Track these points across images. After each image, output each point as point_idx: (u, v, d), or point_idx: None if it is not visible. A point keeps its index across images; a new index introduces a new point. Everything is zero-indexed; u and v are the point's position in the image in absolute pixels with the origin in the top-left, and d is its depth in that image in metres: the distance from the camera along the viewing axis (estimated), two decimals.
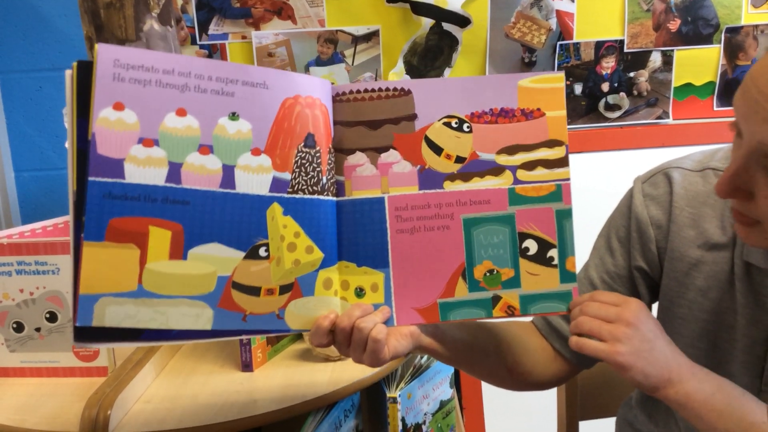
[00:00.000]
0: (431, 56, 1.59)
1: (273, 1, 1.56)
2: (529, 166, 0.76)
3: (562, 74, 0.77)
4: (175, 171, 0.67)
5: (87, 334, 0.65)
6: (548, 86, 0.77)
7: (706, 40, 1.61)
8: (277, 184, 0.72)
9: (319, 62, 1.59)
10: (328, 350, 1.05)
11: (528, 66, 1.62)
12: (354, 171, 0.76)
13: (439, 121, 0.76)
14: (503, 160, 0.77)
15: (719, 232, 0.81)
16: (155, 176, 0.66)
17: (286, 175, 0.72)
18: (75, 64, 0.64)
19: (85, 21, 1.11)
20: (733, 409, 0.69)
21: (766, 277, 0.77)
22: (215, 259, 0.69)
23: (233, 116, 0.69)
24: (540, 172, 0.76)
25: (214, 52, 1.59)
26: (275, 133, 0.72)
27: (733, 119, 0.67)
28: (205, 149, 0.68)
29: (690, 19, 1.60)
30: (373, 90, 0.76)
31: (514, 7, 1.58)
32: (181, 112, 0.67)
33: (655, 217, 0.85)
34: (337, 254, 0.75)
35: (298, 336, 1.16)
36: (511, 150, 0.76)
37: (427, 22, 1.56)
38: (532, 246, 0.76)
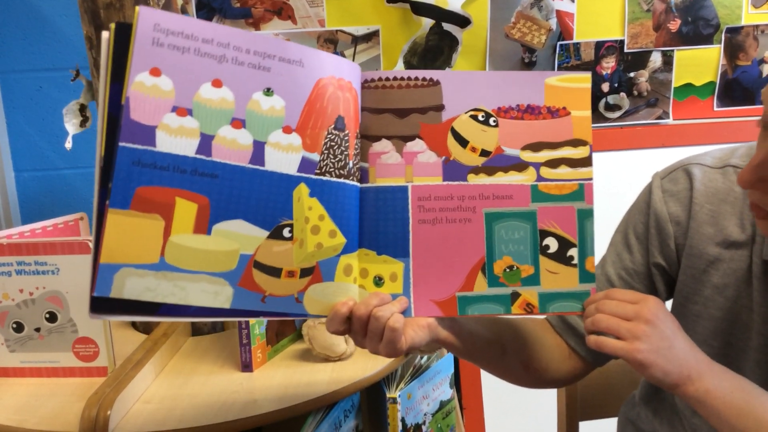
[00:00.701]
0: (431, 56, 1.59)
1: (273, 1, 1.56)
2: (553, 163, 0.76)
3: (589, 75, 0.78)
4: (206, 143, 0.65)
5: (103, 306, 0.63)
6: (575, 86, 0.77)
7: (707, 40, 1.61)
8: (305, 165, 0.70)
9: None
10: (328, 350, 1.05)
11: (528, 66, 1.62)
12: (379, 158, 0.75)
13: (466, 113, 0.76)
14: (528, 156, 0.76)
15: (738, 230, 0.81)
16: (186, 146, 0.65)
17: (315, 156, 0.71)
18: (113, 25, 0.61)
19: (85, 21, 1.11)
20: (753, 407, 0.69)
21: None
22: (239, 236, 0.67)
23: (268, 92, 0.68)
24: (563, 171, 0.76)
25: None
26: (307, 113, 0.70)
27: (757, 118, 0.67)
28: (238, 123, 0.67)
29: (690, 19, 1.60)
30: (402, 78, 0.75)
31: (514, 8, 1.58)
32: (217, 83, 0.66)
33: (675, 214, 0.85)
34: (358, 241, 0.74)
35: (298, 336, 1.16)
36: (535, 147, 0.76)
37: (427, 23, 1.56)
38: (552, 244, 0.76)
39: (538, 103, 0.76)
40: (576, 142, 0.77)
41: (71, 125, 1.27)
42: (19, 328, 1.05)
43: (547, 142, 0.76)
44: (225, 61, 0.66)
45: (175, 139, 0.64)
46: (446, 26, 1.56)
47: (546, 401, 1.03)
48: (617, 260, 0.89)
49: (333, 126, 0.72)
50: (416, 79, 0.75)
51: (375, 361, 1.05)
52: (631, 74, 1.63)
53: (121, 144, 0.62)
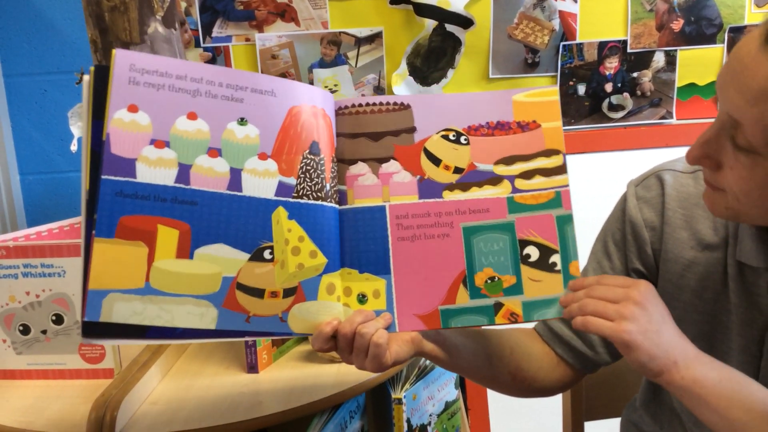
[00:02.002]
0: (434, 58, 1.59)
1: (276, 3, 1.56)
2: (527, 175, 0.78)
3: (556, 88, 0.80)
4: (184, 172, 0.69)
5: (94, 331, 0.66)
6: (543, 100, 0.79)
7: (710, 39, 1.61)
8: (282, 189, 0.73)
9: (323, 64, 1.59)
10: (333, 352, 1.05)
11: (531, 67, 1.62)
12: (356, 180, 0.78)
13: (437, 133, 0.79)
14: (501, 170, 0.78)
15: (712, 233, 0.81)
16: (165, 176, 0.68)
17: (292, 180, 0.74)
18: (92, 68, 0.66)
19: (90, 24, 1.12)
20: (742, 396, 0.68)
21: (758, 276, 0.77)
22: (221, 259, 0.70)
23: (242, 121, 0.71)
24: (538, 181, 0.78)
25: (218, 54, 1.59)
26: (282, 139, 0.73)
27: None
28: (214, 152, 0.70)
29: (693, 19, 1.60)
30: (374, 104, 0.79)
31: (517, 8, 1.58)
32: (192, 116, 0.69)
33: (649, 220, 0.85)
34: (339, 260, 0.76)
35: (304, 338, 1.16)
36: (508, 160, 0.79)
37: (430, 24, 1.56)
38: (533, 252, 0.77)
39: (507, 119, 0.79)
40: (549, 152, 0.78)
41: (76, 128, 1.27)
42: (25, 330, 1.05)
43: (520, 155, 0.78)
44: (199, 95, 0.70)
45: (155, 170, 0.68)
46: (449, 27, 1.57)
47: (551, 402, 1.03)
48: (598, 268, 0.89)
49: (308, 151, 0.75)
50: (388, 104, 0.79)
51: None
52: (635, 74, 1.63)
53: (103, 177, 0.65)
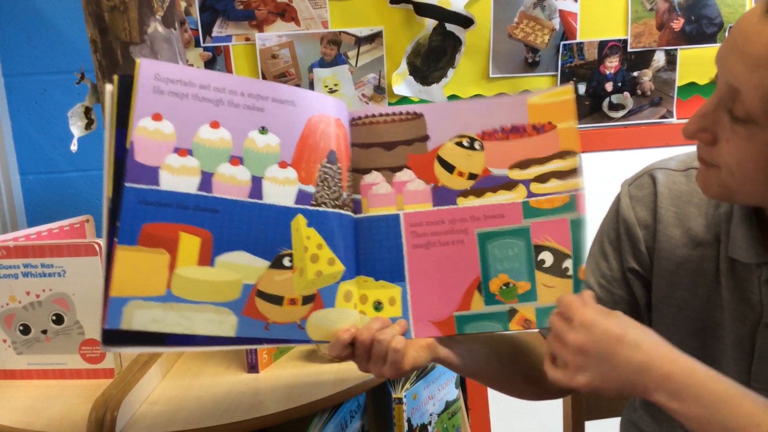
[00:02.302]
0: (434, 57, 1.59)
1: (276, 3, 1.56)
2: (543, 178, 0.77)
3: (571, 86, 0.78)
4: (206, 180, 0.69)
5: (114, 339, 0.66)
6: (558, 99, 0.77)
7: (710, 39, 1.61)
8: (301, 197, 0.74)
9: (323, 64, 1.59)
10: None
11: (531, 66, 1.62)
12: (370, 189, 0.78)
13: (450, 140, 0.78)
14: (516, 174, 0.78)
15: (704, 230, 0.82)
16: (188, 184, 0.68)
17: (311, 188, 0.74)
18: (116, 77, 0.66)
19: (89, 24, 1.11)
20: (719, 419, 0.64)
21: (750, 272, 0.77)
22: (241, 267, 0.70)
23: (263, 130, 0.72)
24: (553, 184, 0.77)
25: (217, 54, 1.59)
26: (301, 148, 0.74)
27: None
28: (236, 160, 0.71)
29: (693, 18, 1.60)
30: (387, 114, 0.79)
31: (517, 8, 1.58)
32: (215, 125, 0.70)
33: (642, 218, 0.86)
34: (356, 268, 0.77)
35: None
36: (523, 164, 0.78)
37: (430, 23, 1.56)
38: (548, 258, 0.77)
39: (522, 122, 0.77)
40: (564, 154, 0.77)
41: (76, 128, 1.27)
42: (26, 330, 1.05)
43: (535, 158, 0.78)
44: (221, 104, 0.70)
45: (178, 177, 0.68)
46: (449, 27, 1.56)
47: (552, 401, 1.03)
48: (596, 269, 0.90)
49: (326, 160, 0.75)
50: (401, 113, 0.79)
51: None
52: (635, 73, 1.63)
53: (127, 184, 0.66)
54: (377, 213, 0.78)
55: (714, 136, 0.69)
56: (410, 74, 1.60)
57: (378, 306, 0.77)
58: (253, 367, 1.06)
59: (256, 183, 0.72)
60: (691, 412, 0.65)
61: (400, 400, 1.12)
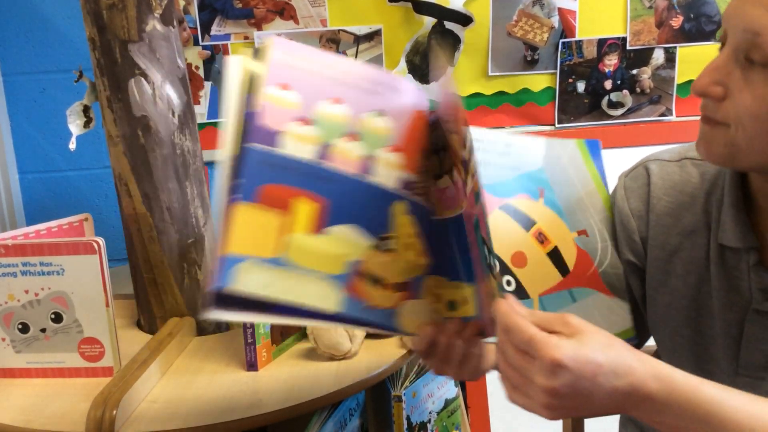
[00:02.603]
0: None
1: (275, 2, 1.56)
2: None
3: None
4: (324, 151, 0.70)
5: (221, 302, 0.64)
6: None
7: (709, 36, 1.61)
8: (404, 184, 0.74)
9: None
10: (333, 349, 1.05)
11: (530, 64, 1.62)
12: (444, 192, 0.77)
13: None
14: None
15: (696, 219, 0.82)
16: (308, 152, 0.69)
17: (413, 177, 0.75)
18: (252, 49, 0.68)
19: (88, 22, 1.11)
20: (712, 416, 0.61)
21: (739, 259, 0.78)
22: (350, 242, 0.70)
23: (378, 113, 0.73)
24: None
25: (216, 52, 1.59)
26: (408, 137, 0.75)
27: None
28: (353, 135, 0.72)
29: (692, 15, 1.60)
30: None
31: (516, 5, 1.58)
32: (338, 101, 0.72)
33: (636, 209, 0.87)
34: (433, 266, 0.76)
35: (303, 335, 1.16)
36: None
37: (429, 21, 1.56)
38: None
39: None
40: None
41: (75, 126, 1.27)
42: (24, 328, 1.05)
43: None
44: (345, 83, 0.72)
45: (299, 144, 0.69)
46: (448, 25, 1.57)
47: None
48: None
49: (426, 151, 0.76)
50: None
51: (380, 360, 1.05)
52: (634, 71, 1.63)
53: (251, 145, 0.67)
54: (446, 215, 0.77)
55: (725, 90, 0.69)
56: (409, 72, 1.60)
57: (452, 305, 0.76)
58: (252, 365, 1.05)
59: (368, 162, 0.72)
60: (678, 426, 0.62)
61: (399, 398, 1.12)
